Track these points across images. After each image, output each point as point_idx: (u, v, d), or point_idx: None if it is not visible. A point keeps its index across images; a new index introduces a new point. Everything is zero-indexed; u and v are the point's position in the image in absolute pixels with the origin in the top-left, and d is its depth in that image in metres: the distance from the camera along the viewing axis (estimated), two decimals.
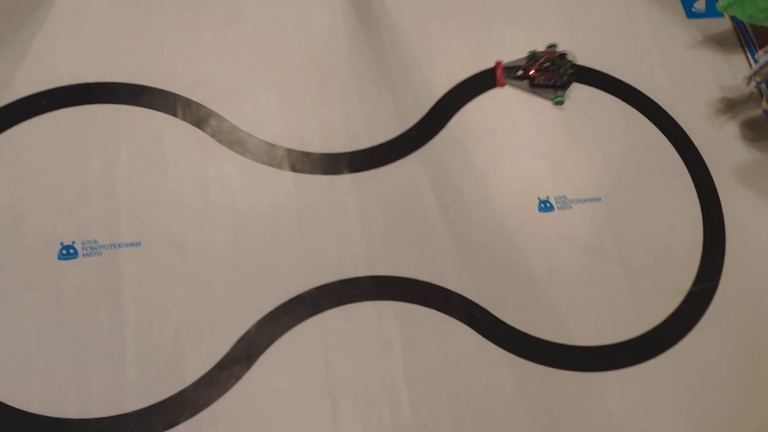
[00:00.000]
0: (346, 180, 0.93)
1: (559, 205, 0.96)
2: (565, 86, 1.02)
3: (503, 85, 1.00)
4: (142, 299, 0.81)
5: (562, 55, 1.03)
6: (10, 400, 0.75)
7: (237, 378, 0.80)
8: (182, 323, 0.81)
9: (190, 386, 0.78)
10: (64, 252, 0.81)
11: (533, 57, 1.02)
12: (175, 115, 0.91)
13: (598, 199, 0.97)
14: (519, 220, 0.94)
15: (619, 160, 1.01)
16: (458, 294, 0.88)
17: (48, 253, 0.81)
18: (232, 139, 0.92)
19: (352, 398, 0.81)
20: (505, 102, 1.01)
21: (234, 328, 0.82)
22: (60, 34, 0.94)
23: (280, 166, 0.92)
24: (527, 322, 0.88)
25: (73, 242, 0.82)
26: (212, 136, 0.91)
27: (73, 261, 0.81)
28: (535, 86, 1.02)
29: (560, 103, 1.01)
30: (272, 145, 0.93)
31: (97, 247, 0.82)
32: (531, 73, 1.01)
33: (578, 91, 1.04)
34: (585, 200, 0.97)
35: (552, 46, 1.04)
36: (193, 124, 0.91)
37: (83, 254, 0.82)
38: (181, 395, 0.78)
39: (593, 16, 1.10)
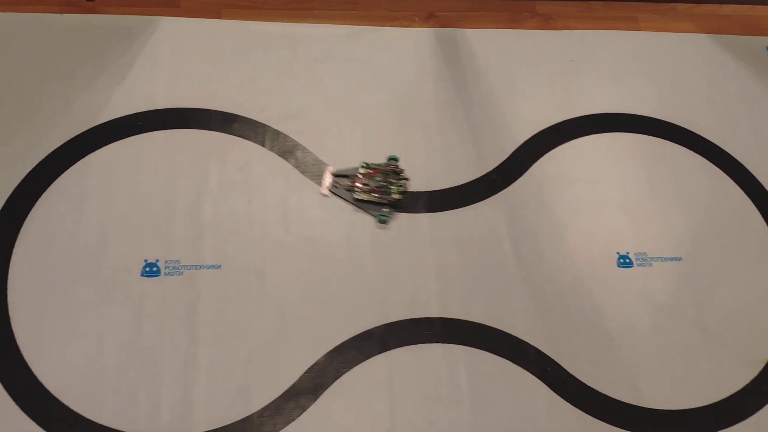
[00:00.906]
0: (422, 219, 0.93)
1: (638, 261, 0.93)
2: (390, 204, 0.92)
3: (327, 193, 0.92)
4: (217, 322, 0.82)
5: (395, 173, 0.94)
6: (83, 411, 0.77)
7: (302, 409, 0.80)
8: (254, 348, 0.82)
9: (256, 413, 0.79)
10: (147, 269, 0.84)
11: (365, 168, 0.93)
12: (263, 144, 0.94)
13: (679, 259, 0.95)
14: (596, 273, 0.92)
15: (703, 221, 0.98)
16: (531, 345, 0.86)
17: (132, 270, 0.84)
18: (315, 172, 0.93)
19: None
20: (588, 153, 1.00)
21: (303, 358, 0.83)
22: (160, 60, 0.98)
23: None
24: (599, 379, 0.86)
25: (157, 260, 0.84)
26: (296, 167, 0.93)
27: (155, 279, 0.84)
28: (357, 201, 0.92)
29: (384, 222, 0.91)
30: None
31: (179, 267, 0.85)
32: (357, 185, 0.92)
33: (663, 147, 1.02)
34: (665, 259, 0.94)
35: (392, 159, 0.95)
36: (280, 155, 0.93)
37: (165, 273, 0.84)
38: (247, 421, 0.78)
39: (682, 74, 1.09)
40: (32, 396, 0.76)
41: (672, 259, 0.95)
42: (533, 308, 0.88)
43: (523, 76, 1.04)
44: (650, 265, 0.94)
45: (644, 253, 0.94)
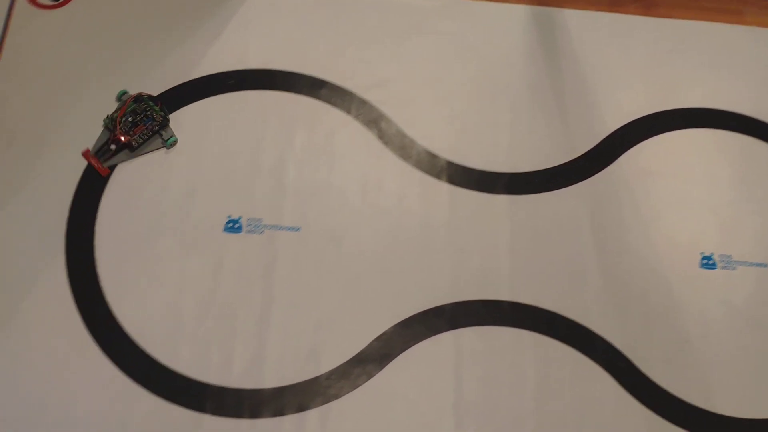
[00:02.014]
0: (501, 200, 0.92)
1: (722, 264, 0.90)
2: (165, 125, 0.89)
3: (107, 171, 0.87)
4: (293, 283, 0.84)
5: (138, 99, 0.89)
6: (159, 356, 0.79)
7: (369, 376, 0.81)
8: (326, 313, 0.83)
9: (324, 375, 0.80)
10: (230, 225, 0.86)
11: (111, 122, 0.88)
12: (348, 112, 0.94)
13: (765, 266, 0.91)
14: (678, 272, 0.89)
15: None
16: (602, 338, 0.85)
17: (215, 225, 0.86)
18: (398, 144, 0.93)
19: (476, 422, 0.80)
20: (681, 148, 0.96)
21: (372, 326, 0.83)
22: (253, 21, 0.99)
23: (438, 177, 0.92)
24: (672, 381, 0.84)
25: (240, 217, 0.86)
26: (379, 138, 0.93)
27: (236, 235, 0.86)
28: (137, 149, 0.88)
29: (174, 143, 0.88)
30: (434, 155, 0.93)
31: (261, 226, 0.86)
32: (122, 139, 0.87)
33: (758, 148, 0.98)
34: (751, 264, 0.91)
35: (123, 93, 0.90)
36: (364, 124, 0.94)
37: (247, 230, 0.86)
38: (314, 382, 0.80)
39: None
40: (112, 337, 0.80)
41: (758, 264, 0.91)
42: (608, 301, 0.87)
43: (618, 63, 1.01)
44: (734, 269, 0.90)
45: (729, 256, 0.91)
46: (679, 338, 0.86)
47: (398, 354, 0.83)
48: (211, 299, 0.82)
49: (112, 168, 0.87)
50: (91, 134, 0.89)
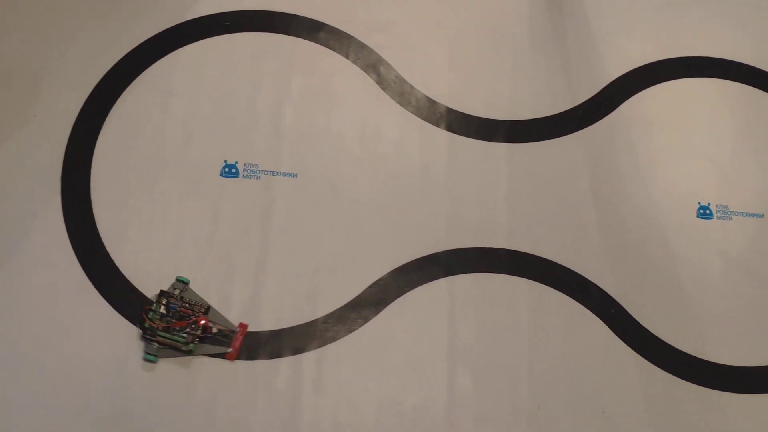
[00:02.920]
0: (500, 149, 0.91)
1: (719, 214, 0.91)
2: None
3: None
4: (290, 228, 0.84)
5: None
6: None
7: (365, 320, 0.82)
8: (323, 258, 0.83)
9: (321, 318, 0.81)
10: (227, 170, 0.85)
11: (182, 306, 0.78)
12: (347, 56, 0.92)
13: (762, 216, 0.91)
14: (674, 222, 0.89)
15: None
16: (597, 286, 0.86)
17: (212, 169, 0.85)
18: (397, 90, 0.92)
19: (471, 366, 0.81)
20: (683, 97, 0.95)
21: (369, 272, 0.84)
22: None
23: (437, 124, 0.91)
24: (664, 328, 0.85)
25: (236, 162, 0.86)
26: (378, 83, 0.92)
27: (233, 180, 0.85)
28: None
29: (153, 361, 0.77)
30: (434, 102, 0.92)
31: (258, 171, 0.86)
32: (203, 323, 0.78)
33: (761, 99, 0.97)
34: (747, 214, 0.91)
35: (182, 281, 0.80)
36: (363, 69, 0.92)
37: (243, 175, 0.85)
38: (312, 325, 0.81)
39: None
40: (110, 281, 0.80)
41: (754, 215, 0.91)
42: (604, 249, 0.87)
43: (621, 10, 0.99)
44: (730, 218, 0.91)
45: (726, 206, 0.91)
46: (673, 287, 0.87)
47: (394, 299, 0.83)
48: (208, 243, 0.82)
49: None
50: (88, 75, 0.88)
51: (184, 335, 0.76)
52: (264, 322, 0.80)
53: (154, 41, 0.91)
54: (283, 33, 0.92)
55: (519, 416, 0.80)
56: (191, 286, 0.80)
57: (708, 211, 0.91)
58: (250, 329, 0.79)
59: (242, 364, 0.78)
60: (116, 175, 0.84)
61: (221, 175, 0.85)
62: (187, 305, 0.78)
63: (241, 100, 0.89)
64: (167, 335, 0.76)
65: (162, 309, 0.77)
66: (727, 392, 0.84)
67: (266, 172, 0.86)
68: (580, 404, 0.81)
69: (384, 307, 0.83)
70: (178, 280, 0.80)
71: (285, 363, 0.78)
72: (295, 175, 0.86)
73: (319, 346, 0.80)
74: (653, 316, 0.85)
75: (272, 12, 0.93)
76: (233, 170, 0.85)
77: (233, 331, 0.78)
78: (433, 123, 0.91)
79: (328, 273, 0.83)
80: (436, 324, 0.83)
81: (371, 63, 0.93)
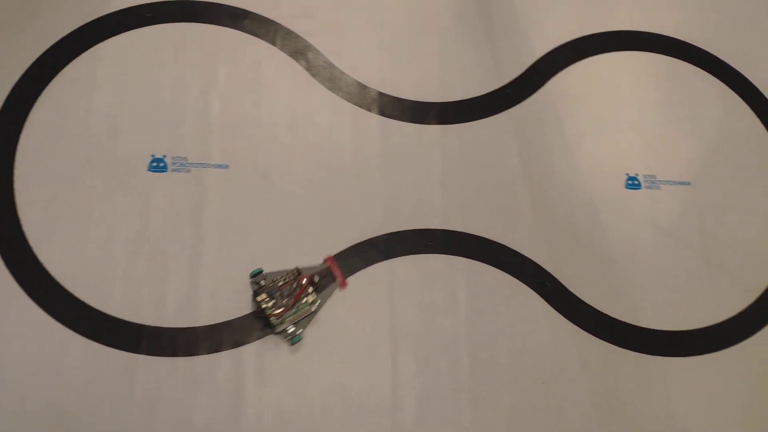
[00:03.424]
0: (432, 131, 0.92)
1: (647, 184, 0.93)
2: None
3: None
4: (223, 221, 0.83)
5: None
6: (90, 301, 0.78)
7: None
8: (258, 248, 0.83)
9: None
10: (155, 164, 0.84)
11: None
12: (274, 44, 0.91)
13: (688, 184, 0.94)
14: (604, 194, 0.92)
15: (715, 147, 0.97)
16: (531, 260, 0.87)
17: (139, 164, 0.84)
18: (326, 75, 0.92)
19: (413, 347, 0.82)
20: (607, 71, 0.97)
21: (307, 260, 0.83)
22: None
23: (369, 109, 0.91)
24: (597, 298, 0.87)
25: (164, 156, 0.84)
26: (307, 69, 0.91)
27: (162, 174, 0.84)
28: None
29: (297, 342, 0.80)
30: (364, 87, 0.92)
31: (186, 164, 0.84)
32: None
33: (682, 69, 1.00)
34: (674, 183, 0.94)
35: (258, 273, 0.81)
36: (290, 56, 0.91)
37: (172, 169, 0.84)
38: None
39: None
40: (40, 284, 0.78)
41: (680, 183, 0.94)
42: (537, 224, 0.89)
43: None
44: (658, 188, 0.93)
45: (653, 176, 0.94)
46: (605, 257, 0.89)
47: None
48: (139, 240, 0.81)
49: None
50: (7, 73, 0.85)
51: (305, 300, 0.80)
52: (202, 316, 0.79)
53: (75, 36, 0.88)
54: (207, 22, 0.91)
55: (461, 393, 0.81)
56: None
57: (636, 182, 0.93)
58: (189, 325, 0.78)
59: (182, 361, 0.77)
60: (41, 175, 0.82)
61: (149, 169, 0.83)
62: (282, 281, 0.80)
63: (167, 92, 0.87)
64: (295, 313, 0.80)
65: (270, 304, 0.79)
66: (663, 356, 0.86)
67: (196, 165, 0.84)
68: (521, 378, 0.82)
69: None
70: (253, 275, 0.81)
71: (225, 356, 0.78)
72: (226, 166, 0.85)
73: (259, 338, 0.79)
74: (587, 287, 0.87)
75: (195, 1, 0.92)
76: (161, 164, 0.84)
77: (327, 268, 0.82)
78: (364, 108, 0.91)
79: (264, 263, 0.82)
80: (377, 307, 0.83)
81: (299, 49, 0.92)
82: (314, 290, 0.81)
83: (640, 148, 0.95)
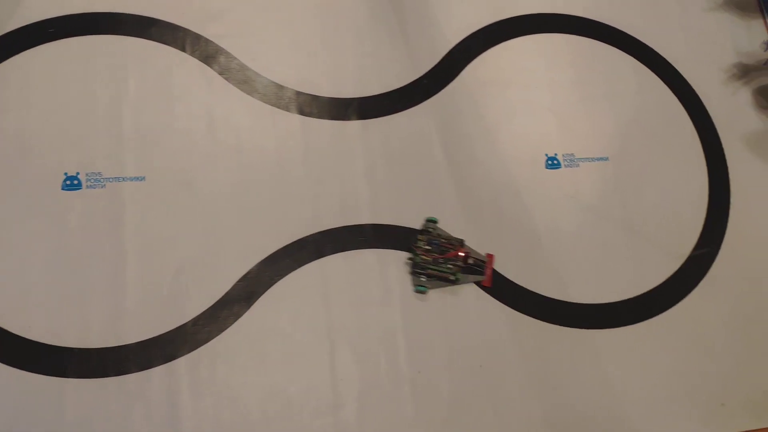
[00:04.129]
0: (353, 126, 0.92)
1: (566, 162, 0.95)
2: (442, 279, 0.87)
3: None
4: (145, 234, 0.81)
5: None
6: (11, 327, 0.75)
7: (237, 316, 0.81)
8: (184, 260, 0.81)
9: (189, 322, 0.79)
10: (68, 183, 0.81)
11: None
12: (183, 50, 0.90)
13: (606, 159, 0.97)
14: (526, 176, 0.93)
15: (630, 121, 1.00)
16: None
17: (52, 183, 0.81)
18: (241, 78, 0.90)
19: (350, 343, 0.82)
20: (520, 55, 0.99)
21: (236, 267, 0.83)
22: None
23: (287, 108, 0.91)
24: (527, 278, 0.89)
25: (78, 173, 0.82)
26: (220, 73, 0.90)
27: (76, 192, 0.81)
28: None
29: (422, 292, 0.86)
30: (281, 87, 0.91)
31: (101, 180, 0.82)
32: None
33: (593, 48, 1.02)
34: (593, 159, 0.96)
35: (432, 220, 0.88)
36: (202, 60, 0.90)
37: (87, 186, 0.82)
38: (180, 330, 0.78)
39: None
40: None
41: (599, 159, 0.96)
42: (463, 211, 0.90)
43: None
44: (577, 165, 0.95)
45: (572, 154, 0.96)
46: (531, 237, 0.91)
47: (265, 290, 0.83)
48: (59, 261, 0.78)
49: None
50: None
51: (450, 266, 0.85)
52: (129, 334, 0.77)
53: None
54: (112, 33, 0.88)
55: (401, 384, 0.81)
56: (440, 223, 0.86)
57: (556, 162, 0.95)
58: (117, 344, 0.77)
59: (112, 382, 0.75)
60: None
61: (63, 188, 0.81)
62: (445, 240, 0.86)
63: (76, 107, 0.84)
64: (436, 268, 0.84)
65: (425, 246, 0.85)
66: (593, 329, 0.89)
67: (111, 179, 0.82)
68: (458, 363, 0.83)
69: (256, 300, 0.82)
70: (428, 220, 0.87)
71: (157, 373, 0.76)
72: (143, 179, 0.83)
73: (191, 350, 0.78)
74: (517, 268, 0.89)
75: (98, 13, 0.89)
76: (75, 182, 0.81)
77: (483, 261, 0.86)
78: (283, 108, 0.91)
79: (191, 274, 0.81)
80: (312, 307, 0.83)
81: (210, 54, 0.91)
82: (462, 267, 0.86)
83: (557, 128, 0.96)
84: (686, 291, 0.93)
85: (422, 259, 0.85)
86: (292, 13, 0.95)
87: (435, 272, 0.86)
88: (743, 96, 1.05)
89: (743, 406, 0.89)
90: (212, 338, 0.79)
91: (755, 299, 0.94)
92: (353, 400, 0.80)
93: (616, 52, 1.03)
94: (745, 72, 1.06)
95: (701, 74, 1.04)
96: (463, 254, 0.86)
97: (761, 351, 0.92)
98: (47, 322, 0.76)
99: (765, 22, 1.10)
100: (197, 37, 0.91)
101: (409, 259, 0.86)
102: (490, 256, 0.88)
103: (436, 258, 0.85)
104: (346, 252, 0.86)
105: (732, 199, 0.98)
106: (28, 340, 0.75)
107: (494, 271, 0.88)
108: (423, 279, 0.85)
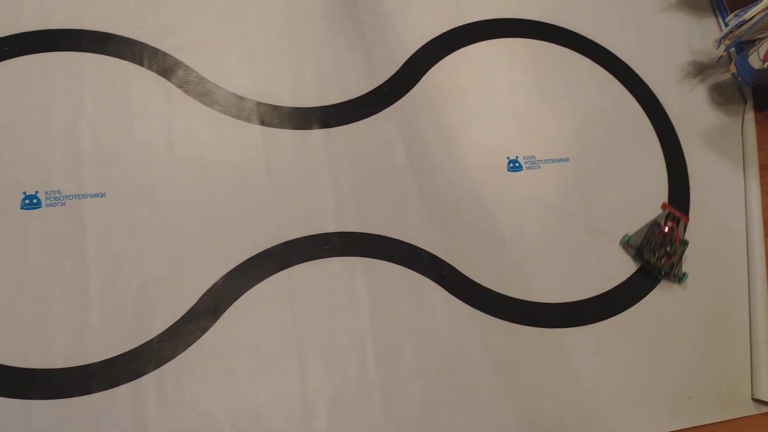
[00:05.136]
0: (316, 135, 0.92)
1: (527, 165, 0.96)
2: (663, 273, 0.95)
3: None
4: (106, 250, 0.80)
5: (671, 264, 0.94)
6: None
7: (203, 330, 0.80)
8: (148, 275, 0.80)
9: (155, 338, 0.78)
10: (27, 202, 0.80)
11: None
12: (141, 64, 0.89)
13: (567, 160, 0.98)
14: (488, 179, 0.94)
15: (589, 122, 1.01)
16: (426, 251, 0.88)
17: (11, 203, 0.80)
18: (200, 91, 0.90)
19: (319, 352, 0.82)
20: (478, 60, 1.00)
21: (201, 281, 0.82)
22: None
23: (248, 120, 0.91)
24: (494, 280, 0.89)
25: (36, 192, 0.81)
26: (179, 86, 0.90)
27: (36, 211, 0.80)
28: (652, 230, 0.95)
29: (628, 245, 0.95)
30: (241, 98, 0.91)
31: (61, 197, 0.81)
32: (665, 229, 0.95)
33: (551, 51, 1.04)
34: (553, 161, 0.97)
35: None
36: (160, 74, 0.89)
37: (47, 204, 0.81)
38: (146, 347, 0.78)
39: None
40: None
41: (560, 160, 0.98)
42: (428, 216, 0.90)
43: None
44: (539, 167, 0.96)
45: (533, 157, 0.97)
46: (495, 240, 0.91)
47: (231, 303, 0.82)
48: (19, 282, 0.77)
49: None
50: None
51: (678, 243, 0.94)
52: (94, 352, 0.76)
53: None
54: (68, 50, 0.88)
55: (372, 391, 0.81)
56: None
57: (517, 164, 0.96)
58: (81, 363, 0.76)
59: (77, 401, 0.74)
60: None
61: (22, 207, 0.80)
62: (653, 236, 0.94)
63: (32, 125, 0.83)
64: (679, 257, 0.94)
65: (655, 257, 0.93)
66: (561, 328, 0.89)
67: (71, 197, 0.81)
68: (428, 367, 0.83)
69: (222, 313, 0.82)
70: (625, 242, 0.95)
71: (123, 391, 0.75)
72: (104, 195, 0.82)
73: (157, 367, 0.77)
74: (482, 270, 0.89)
75: (53, 30, 0.88)
76: (34, 201, 0.80)
77: (668, 213, 0.96)
78: (244, 119, 0.90)
79: (156, 289, 0.80)
80: (279, 318, 0.83)
81: (168, 67, 0.90)
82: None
83: (518, 131, 0.98)
84: (649, 288, 0.94)
85: (668, 266, 0.93)
86: (250, 25, 0.95)
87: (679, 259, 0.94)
88: (699, 93, 1.07)
89: (710, 398, 0.90)
90: (179, 354, 0.78)
91: (717, 293, 0.96)
92: (324, 410, 0.80)
93: (572, 55, 1.05)
94: (699, 69, 1.08)
95: (657, 73, 1.06)
96: (673, 226, 0.94)
97: (725, 344, 0.93)
98: (10, 343, 0.75)
99: (717, 21, 1.13)
100: (155, 51, 0.90)
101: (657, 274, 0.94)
102: (664, 206, 0.97)
103: (673, 254, 0.93)
104: (313, 261, 0.86)
105: (691, 194, 1.00)
106: None
107: (452, 274, 0.88)
108: (677, 271, 0.93)
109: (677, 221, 0.95)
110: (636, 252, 0.94)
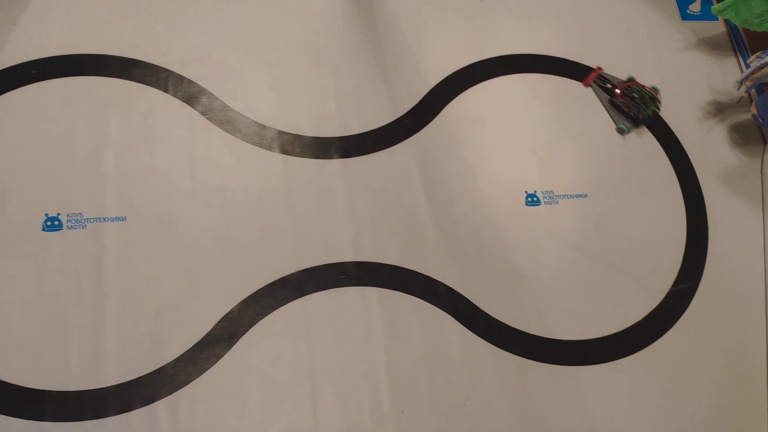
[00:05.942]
0: (335, 165, 0.93)
1: (546, 199, 0.96)
2: (636, 122, 1.03)
3: (587, 85, 1.03)
4: (125, 274, 0.81)
5: (653, 98, 1.04)
6: None
7: (217, 357, 0.80)
8: (165, 300, 0.81)
9: (170, 363, 0.78)
10: (49, 224, 0.81)
11: (630, 81, 1.04)
12: (166, 91, 0.91)
13: (585, 196, 0.98)
14: (506, 213, 0.94)
15: (608, 158, 1.01)
16: (442, 283, 0.88)
17: (33, 224, 0.81)
18: (223, 119, 0.91)
19: (332, 383, 0.82)
20: (497, 94, 1.01)
21: (216, 307, 0.82)
22: (53, 4, 0.93)
23: (270, 148, 0.91)
24: (509, 314, 0.89)
25: (58, 214, 0.82)
26: (203, 114, 0.91)
27: (57, 233, 0.81)
28: (611, 104, 1.04)
29: (621, 131, 1.02)
30: (263, 126, 0.92)
31: (82, 220, 0.82)
32: (616, 91, 1.03)
33: (570, 87, 1.04)
34: (572, 196, 0.97)
35: (655, 89, 1.05)
36: (184, 101, 0.91)
37: (68, 226, 0.81)
38: (160, 372, 0.78)
39: (589, 13, 1.10)
40: None
41: (578, 196, 0.98)
42: (445, 248, 0.90)
43: (433, 19, 1.03)
44: (557, 203, 0.96)
45: (551, 191, 0.97)
46: (513, 274, 0.91)
47: (246, 330, 0.82)
48: (38, 302, 0.78)
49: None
50: None
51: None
52: (108, 376, 0.76)
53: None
54: (94, 75, 0.89)
55: (384, 423, 0.81)
56: None
57: (535, 199, 0.96)
58: (95, 386, 0.76)
59: (90, 425, 0.74)
60: None
61: (44, 229, 0.81)
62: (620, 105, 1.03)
63: (58, 148, 0.85)
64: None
65: (648, 112, 1.02)
66: (576, 366, 0.89)
67: (92, 220, 0.82)
68: (441, 401, 0.83)
69: (237, 340, 0.82)
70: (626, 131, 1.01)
71: (136, 416, 0.75)
72: (124, 219, 0.83)
73: (171, 393, 0.77)
74: (498, 304, 0.89)
75: (80, 55, 0.90)
76: (56, 223, 0.81)
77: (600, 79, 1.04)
78: (265, 147, 0.91)
79: (172, 315, 0.80)
80: (294, 346, 0.83)
81: (192, 94, 0.91)
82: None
83: (536, 166, 0.98)
84: (667, 326, 0.93)
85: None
86: (273, 56, 0.96)
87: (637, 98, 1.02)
88: (718, 133, 1.07)
89: None
90: (192, 380, 0.78)
91: (736, 333, 0.94)
92: None
93: (591, 91, 1.05)
94: (719, 110, 1.08)
95: (677, 112, 1.06)
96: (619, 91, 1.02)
97: (743, 384, 0.92)
98: (26, 364, 0.75)
99: (738, 61, 1.13)
100: (180, 78, 0.92)
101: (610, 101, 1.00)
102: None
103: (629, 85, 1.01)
104: (329, 290, 0.86)
105: (710, 234, 1.00)
106: (6, 383, 0.74)
107: (467, 307, 0.88)
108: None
109: (606, 79, 1.04)
110: (636, 123, 1.02)
